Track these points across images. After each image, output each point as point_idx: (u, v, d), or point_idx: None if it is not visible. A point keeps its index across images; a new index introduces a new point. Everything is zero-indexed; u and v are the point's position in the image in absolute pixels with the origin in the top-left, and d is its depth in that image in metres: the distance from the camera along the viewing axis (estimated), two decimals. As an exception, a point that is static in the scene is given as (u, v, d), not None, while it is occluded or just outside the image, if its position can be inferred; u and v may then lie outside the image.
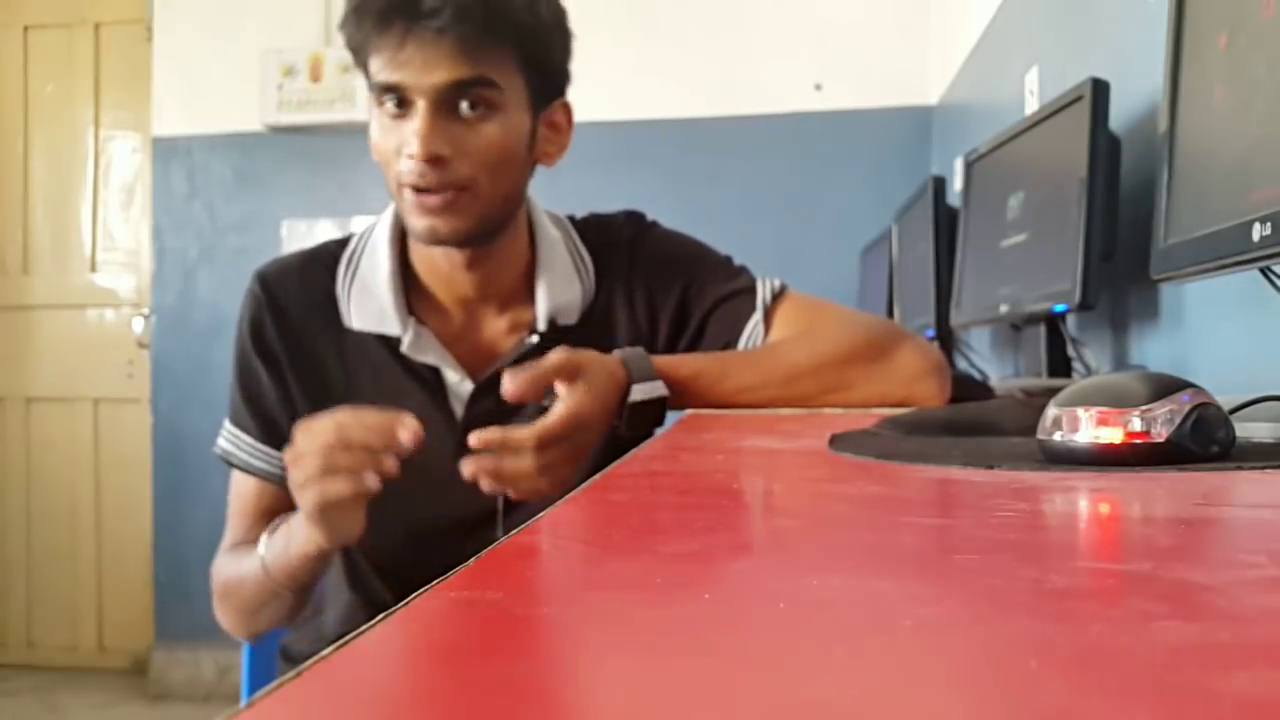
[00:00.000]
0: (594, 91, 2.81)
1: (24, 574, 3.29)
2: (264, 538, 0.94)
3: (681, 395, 0.92)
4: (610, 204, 1.12)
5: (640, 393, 0.88)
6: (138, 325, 3.23)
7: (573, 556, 0.32)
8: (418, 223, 0.92)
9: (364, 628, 0.22)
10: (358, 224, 2.95)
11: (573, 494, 0.43)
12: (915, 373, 0.97)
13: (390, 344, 0.99)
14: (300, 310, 1.01)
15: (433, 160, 0.88)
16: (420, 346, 0.99)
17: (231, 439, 1.02)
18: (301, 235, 3.04)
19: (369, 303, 0.99)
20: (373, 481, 0.78)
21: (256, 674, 1.13)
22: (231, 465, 1.02)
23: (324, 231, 3.02)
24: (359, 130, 2.72)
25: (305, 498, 0.80)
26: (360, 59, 0.92)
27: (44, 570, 3.28)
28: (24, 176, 3.34)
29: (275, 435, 0.99)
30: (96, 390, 3.28)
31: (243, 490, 1.02)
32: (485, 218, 0.93)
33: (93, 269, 3.32)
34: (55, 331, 3.31)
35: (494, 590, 0.27)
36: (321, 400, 0.98)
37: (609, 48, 2.83)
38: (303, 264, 1.03)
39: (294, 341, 1.00)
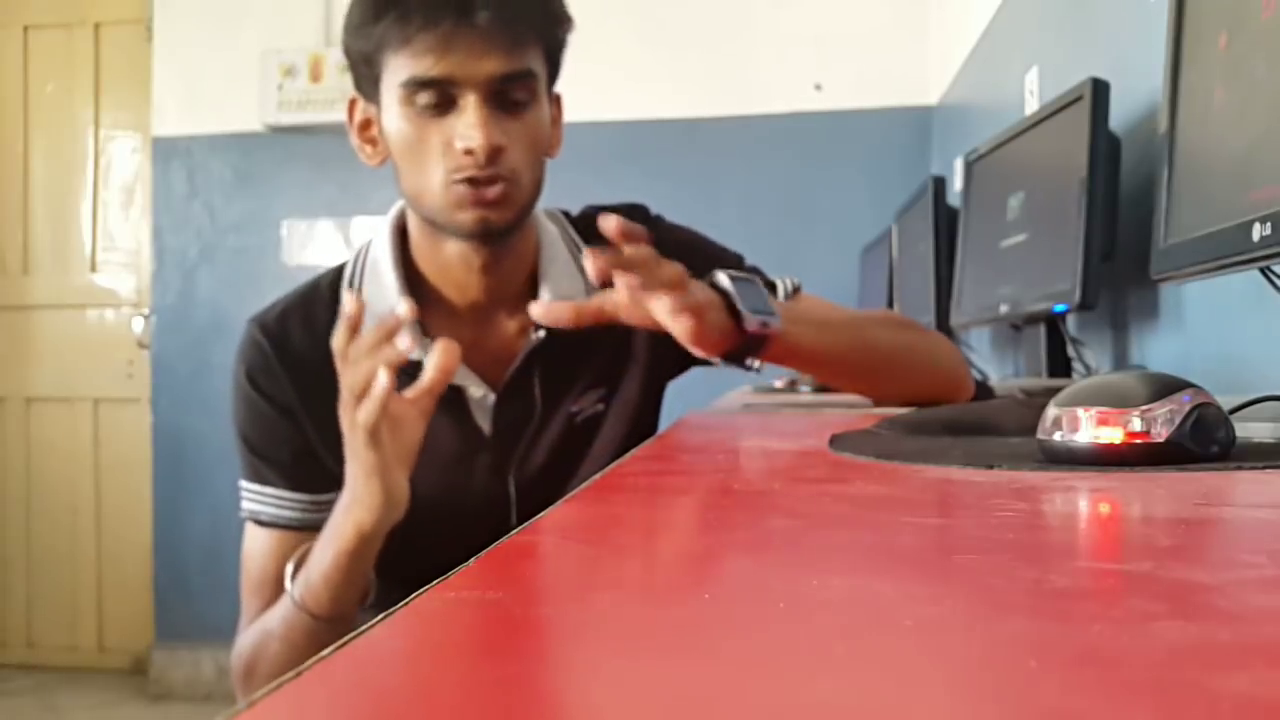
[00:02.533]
0: (594, 91, 2.82)
1: (24, 574, 3.29)
2: (288, 572, 0.90)
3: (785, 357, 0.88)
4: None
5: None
6: (138, 325, 3.23)
7: (573, 556, 0.32)
8: (467, 215, 0.90)
9: (364, 627, 0.22)
10: (358, 224, 2.97)
11: (572, 494, 0.43)
12: (960, 361, 1.00)
13: (407, 369, 0.96)
14: (309, 350, 0.96)
15: (494, 152, 0.87)
16: None
17: (256, 497, 0.97)
18: (301, 235, 3.04)
19: None
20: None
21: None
22: (262, 524, 0.97)
23: (324, 231, 3.02)
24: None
25: (348, 405, 0.79)
26: (376, 56, 0.89)
27: (44, 570, 3.28)
28: (24, 176, 3.34)
29: (301, 479, 0.96)
30: (96, 390, 3.28)
31: (267, 551, 0.96)
32: (525, 208, 0.93)
33: (93, 269, 3.31)
34: (55, 331, 3.31)
35: (494, 590, 0.27)
36: (339, 438, 0.97)
37: (609, 48, 2.83)
38: (302, 303, 0.99)
39: (305, 383, 0.96)
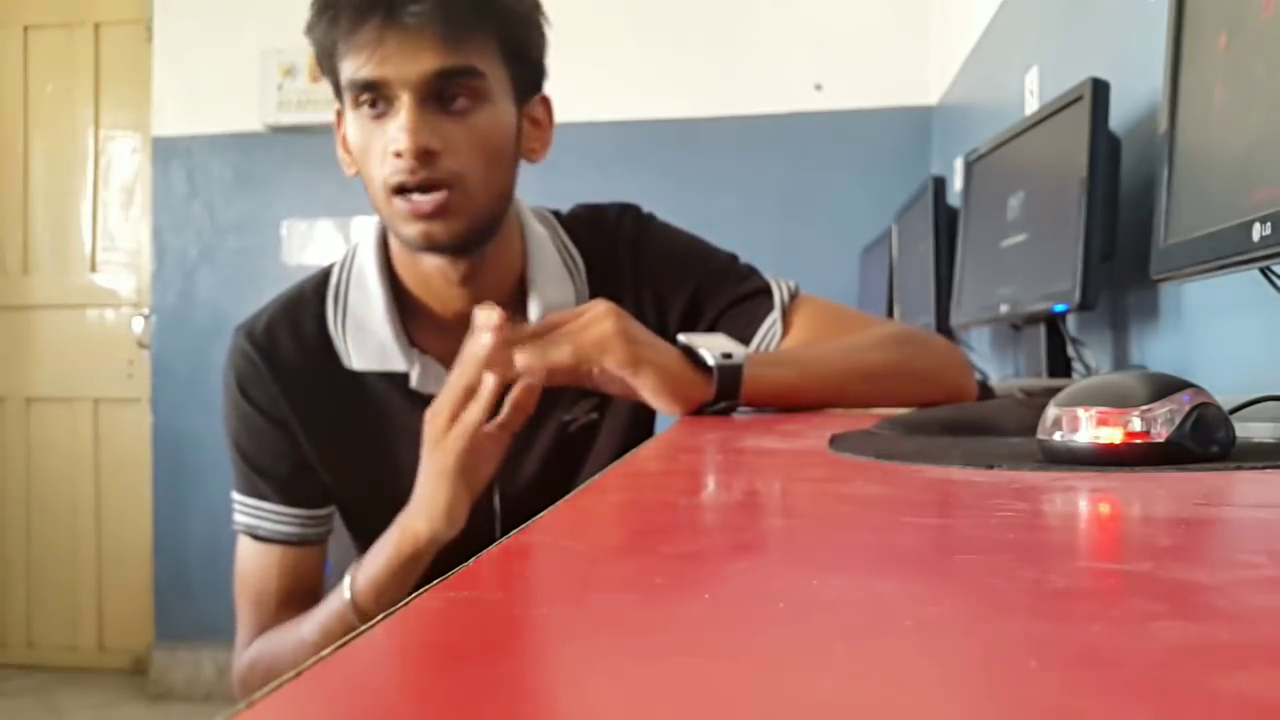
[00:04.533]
0: (593, 91, 2.83)
1: (24, 574, 3.29)
2: (348, 579, 0.89)
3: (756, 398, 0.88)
4: (610, 205, 1.11)
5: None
6: (138, 325, 3.23)
7: (573, 556, 0.32)
8: (410, 229, 0.87)
9: (363, 628, 0.22)
10: (357, 224, 2.97)
11: (573, 494, 0.43)
12: (961, 369, 0.99)
13: (395, 379, 0.96)
14: (297, 359, 0.96)
15: (422, 155, 0.83)
16: (429, 379, 0.95)
17: (253, 512, 0.97)
18: (301, 235, 3.04)
19: (368, 341, 0.95)
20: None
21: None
22: (258, 539, 0.96)
23: (324, 231, 3.02)
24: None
25: (454, 436, 0.81)
26: (331, 61, 0.87)
27: (44, 570, 3.28)
28: (24, 176, 3.34)
29: (295, 493, 0.96)
30: (96, 390, 3.28)
31: (266, 565, 0.96)
32: (478, 217, 0.89)
33: (93, 269, 3.32)
34: (55, 331, 3.31)
35: (494, 590, 0.26)
36: (332, 449, 0.96)
37: (608, 48, 2.83)
38: (288, 310, 0.97)
39: (296, 393, 0.95)
